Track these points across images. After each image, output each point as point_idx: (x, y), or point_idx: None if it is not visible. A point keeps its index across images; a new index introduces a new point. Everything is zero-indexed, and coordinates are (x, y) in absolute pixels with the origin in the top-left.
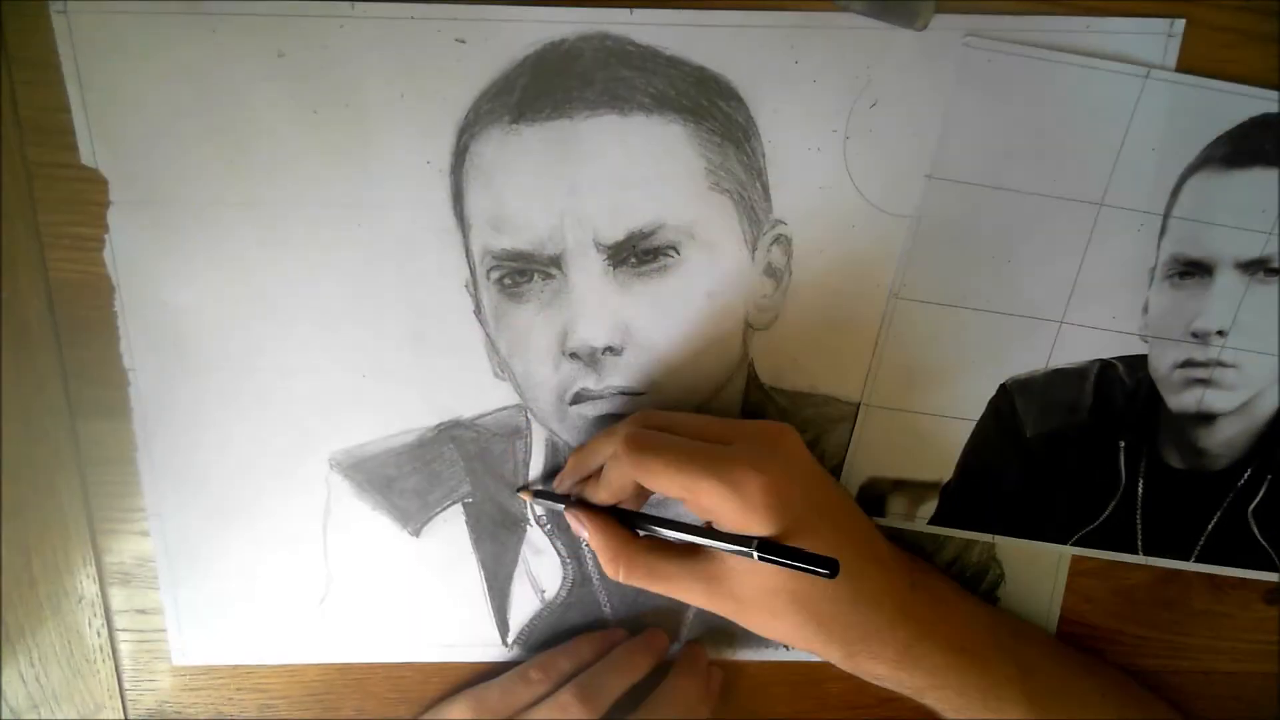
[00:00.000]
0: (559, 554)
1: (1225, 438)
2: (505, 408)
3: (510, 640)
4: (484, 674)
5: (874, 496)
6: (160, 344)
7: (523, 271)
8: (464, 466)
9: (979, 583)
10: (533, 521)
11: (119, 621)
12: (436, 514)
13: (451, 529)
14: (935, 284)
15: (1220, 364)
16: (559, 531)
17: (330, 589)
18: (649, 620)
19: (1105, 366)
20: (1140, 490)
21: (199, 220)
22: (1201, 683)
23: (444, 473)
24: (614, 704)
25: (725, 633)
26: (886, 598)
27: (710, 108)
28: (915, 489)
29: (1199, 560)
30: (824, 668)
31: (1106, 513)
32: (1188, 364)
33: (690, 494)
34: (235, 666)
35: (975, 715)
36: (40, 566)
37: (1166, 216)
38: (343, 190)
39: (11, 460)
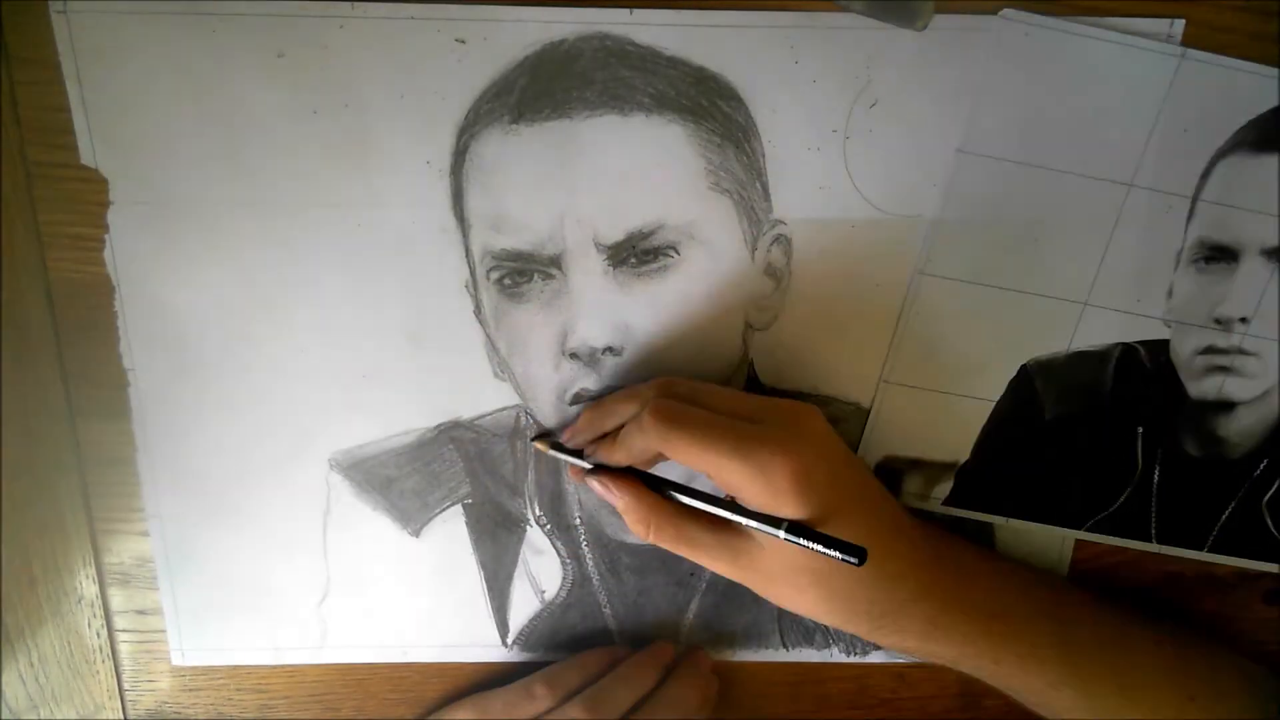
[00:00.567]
0: (559, 554)
1: (1243, 426)
2: (505, 408)
3: (510, 641)
4: (485, 675)
5: (890, 475)
6: (160, 344)
7: (522, 272)
8: (464, 467)
9: None
10: (532, 522)
11: (118, 622)
12: (436, 514)
13: (451, 530)
14: (961, 261)
15: (1242, 351)
16: (559, 532)
17: (330, 589)
18: (649, 619)
19: (1127, 350)
20: (1156, 477)
21: (199, 220)
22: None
23: (444, 473)
24: (622, 717)
25: (725, 635)
26: (910, 572)
27: (710, 108)
28: (931, 469)
29: (1212, 550)
30: (824, 668)
31: (1121, 499)
32: (1209, 350)
33: (716, 471)
34: (235, 667)
35: (1014, 679)
36: (40, 567)
37: (1195, 200)
38: (342, 190)
39: (11, 460)
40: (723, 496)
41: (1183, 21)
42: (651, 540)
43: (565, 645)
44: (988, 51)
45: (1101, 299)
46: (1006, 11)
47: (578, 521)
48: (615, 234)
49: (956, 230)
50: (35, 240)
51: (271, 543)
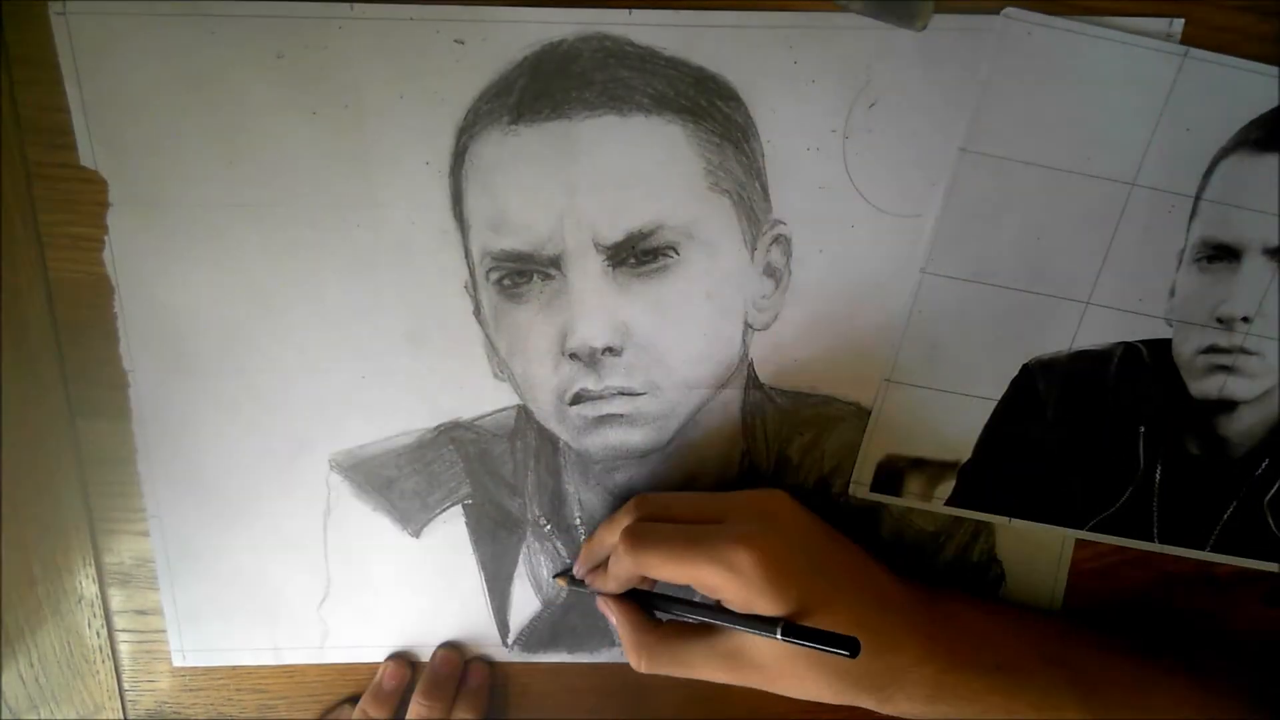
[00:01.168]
0: (559, 554)
1: (1245, 426)
2: (505, 409)
3: (510, 641)
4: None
5: (892, 475)
6: (160, 345)
7: (522, 272)
8: (464, 467)
9: (979, 583)
10: (532, 522)
11: (118, 622)
12: (436, 515)
13: (451, 530)
14: (962, 261)
15: (1244, 351)
16: (559, 532)
17: (330, 590)
18: None
19: (1129, 349)
20: (1158, 477)
21: (199, 221)
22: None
23: (444, 474)
24: None
25: None
26: (907, 639)
27: (709, 108)
28: (933, 468)
29: (1213, 550)
30: None
31: (1123, 499)
32: (1211, 349)
33: (692, 580)
34: (235, 667)
35: None
36: (40, 567)
37: (1198, 199)
38: (342, 191)
39: (11, 461)
40: (714, 604)
41: (1183, 21)
42: (646, 670)
43: (565, 645)
44: (989, 51)
45: (1103, 298)
46: (1008, 11)
47: (578, 521)
48: (615, 234)
49: (958, 230)
50: (35, 241)
51: (272, 543)
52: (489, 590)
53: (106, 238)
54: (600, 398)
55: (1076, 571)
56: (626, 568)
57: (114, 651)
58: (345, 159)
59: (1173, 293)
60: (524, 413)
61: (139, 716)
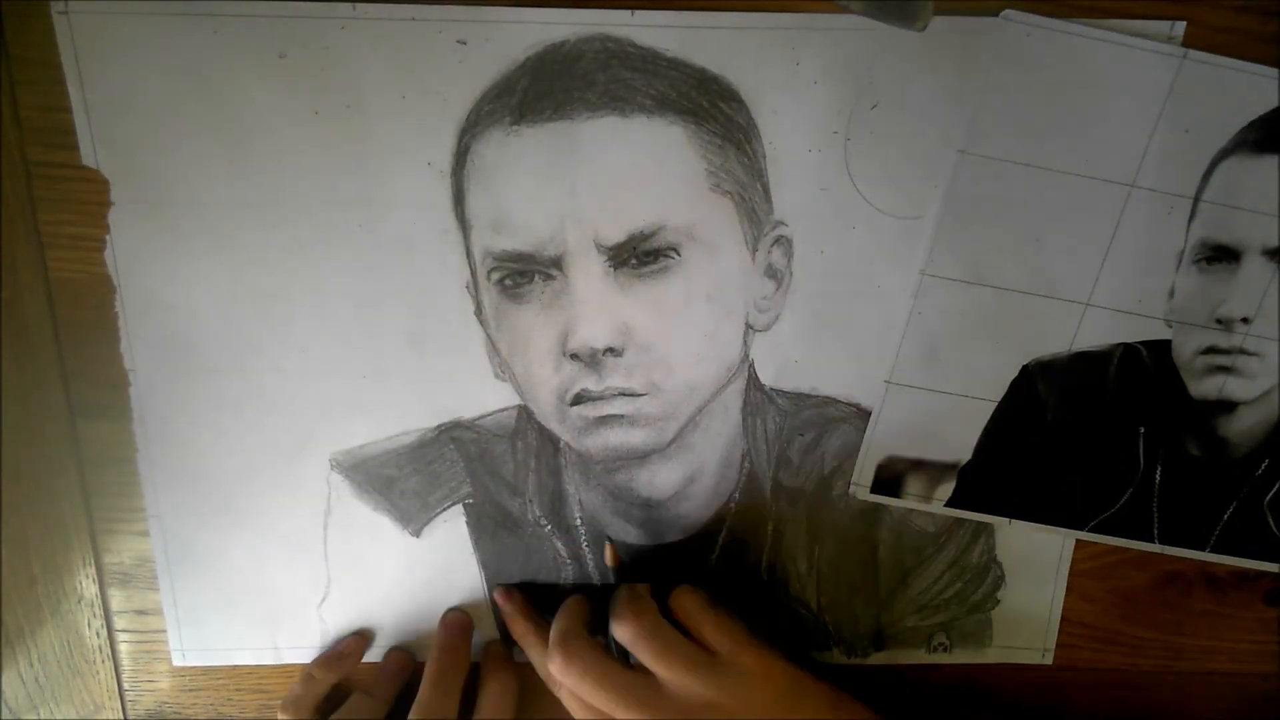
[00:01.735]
0: (559, 555)
1: (1245, 427)
2: (506, 409)
3: (509, 641)
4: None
5: (892, 476)
6: (161, 344)
7: (523, 273)
8: (464, 467)
9: (979, 584)
10: (533, 522)
11: (118, 622)
12: (437, 515)
13: (452, 530)
14: (962, 262)
15: (1243, 352)
16: (559, 533)
17: (330, 589)
18: None
19: (1128, 350)
20: (1158, 478)
21: (200, 221)
22: (1201, 684)
23: (444, 474)
24: None
25: None
26: None
27: (711, 109)
28: (933, 470)
29: (1214, 550)
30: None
31: (1123, 500)
32: (1211, 350)
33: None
34: (235, 667)
35: None
36: (40, 567)
37: (1197, 200)
38: (344, 191)
39: (11, 461)
40: None
41: (1183, 23)
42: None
43: None
44: (989, 53)
45: (1103, 299)
46: (1007, 13)
47: (578, 522)
48: (616, 235)
49: (958, 231)
50: (35, 240)
51: (272, 543)
52: (489, 590)
53: (107, 237)
54: (601, 398)
55: (1076, 572)
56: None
57: (114, 651)
58: (347, 159)
59: (1172, 294)
60: (525, 413)
61: (139, 716)
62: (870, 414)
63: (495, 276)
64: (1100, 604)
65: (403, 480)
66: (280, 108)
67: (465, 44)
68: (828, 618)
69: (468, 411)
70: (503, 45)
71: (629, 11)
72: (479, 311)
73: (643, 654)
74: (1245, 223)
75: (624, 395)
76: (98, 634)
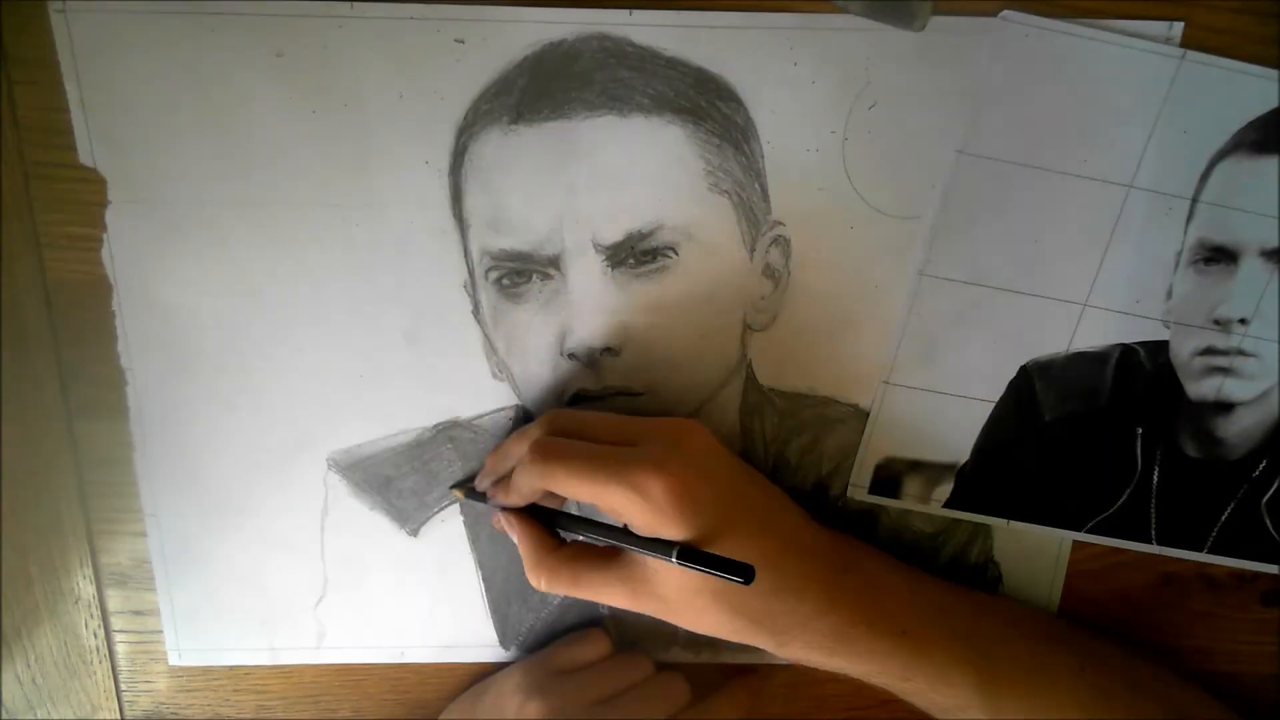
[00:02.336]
0: None
1: (1242, 427)
2: (503, 408)
3: (508, 641)
4: (483, 676)
5: (890, 477)
6: (158, 344)
7: (521, 272)
8: (462, 467)
9: (976, 584)
10: None
11: (115, 622)
12: (434, 514)
13: (449, 529)
14: (960, 262)
15: (1241, 353)
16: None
17: (328, 589)
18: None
19: (1126, 351)
20: (1156, 479)
21: (197, 220)
22: (1200, 685)
23: (442, 473)
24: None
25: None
26: (813, 586)
27: (709, 109)
28: (931, 470)
29: (1211, 551)
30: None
31: (1121, 500)
32: (1209, 351)
33: (598, 500)
34: (232, 667)
35: (923, 697)
36: (37, 567)
37: (1195, 201)
38: (341, 190)
39: (9, 461)
40: (619, 526)
41: (1182, 24)
42: (545, 589)
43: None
44: (987, 53)
45: (1101, 300)
46: (1006, 13)
47: None
48: (614, 234)
49: (956, 231)
50: (33, 240)
51: (269, 542)
52: (487, 590)
53: (105, 237)
54: (599, 398)
55: (1074, 573)
56: (532, 481)
57: (111, 652)
58: (344, 158)
59: (1170, 294)
60: (522, 413)
61: (136, 717)
62: (868, 414)
63: (493, 276)
64: (1098, 605)
65: (400, 479)
66: (278, 107)
67: (463, 43)
68: None
69: (465, 411)
70: (501, 44)
71: (627, 11)
72: (476, 311)
73: (568, 478)
74: (1243, 223)
75: (622, 395)
76: (95, 634)
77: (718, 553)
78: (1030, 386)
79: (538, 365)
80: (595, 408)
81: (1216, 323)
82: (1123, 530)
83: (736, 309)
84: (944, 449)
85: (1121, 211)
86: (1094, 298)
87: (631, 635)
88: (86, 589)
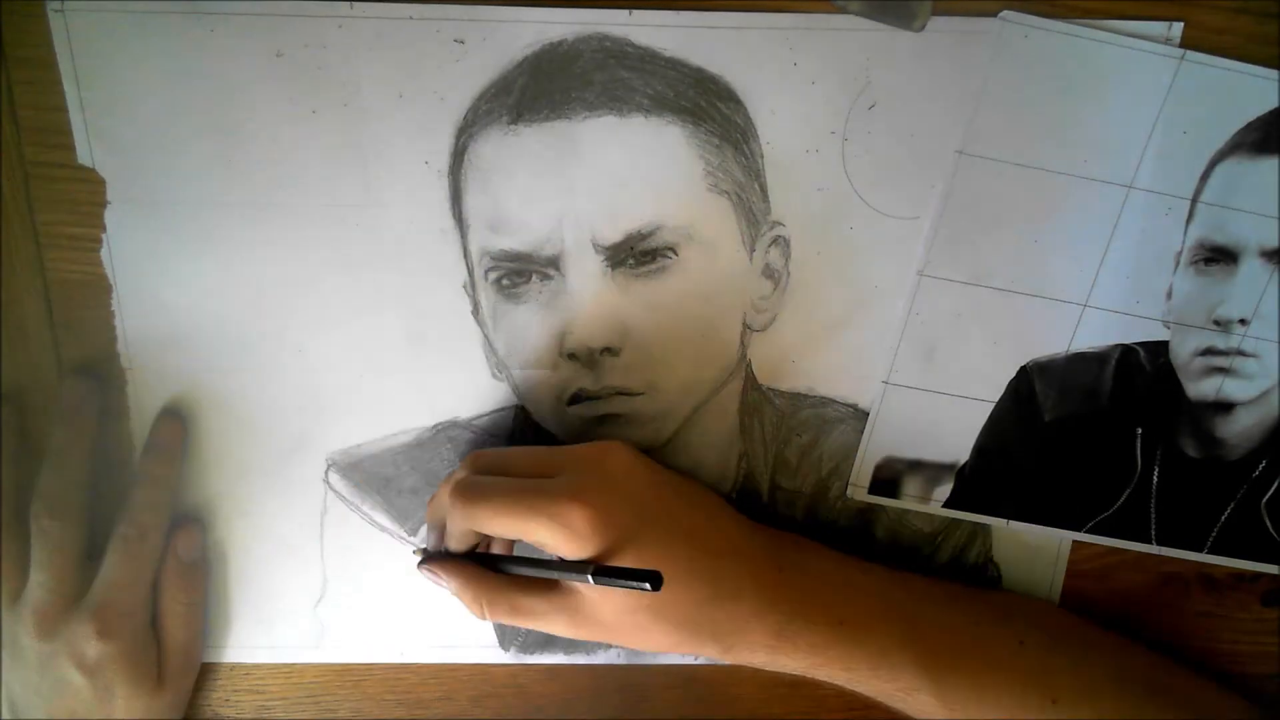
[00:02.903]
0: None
1: (1242, 427)
2: (503, 408)
3: (507, 641)
4: (483, 677)
5: (889, 477)
6: (158, 344)
7: (521, 272)
8: None
9: (976, 582)
10: None
11: None
12: None
13: None
14: (960, 263)
15: (1241, 353)
16: None
17: (327, 589)
18: None
19: (1126, 352)
20: (1156, 479)
21: (197, 220)
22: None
23: (442, 473)
24: None
25: None
26: (749, 587)
27: (709, 109)
28: (931, 470)
29: (1211, 551)
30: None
31: (1121, 500)
32: (1209, 352)
33: (523, 534)
34: (232, 667)
35: (868, 685)
36: None
37: (1195, 201)
38: (341, 190)
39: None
40: (551, 559)
41: (1182, 24)
42: (488, 619)
43: (562, 647)
44: (987, 53)
45: (1101, 300)
46: (1005, 13)
47: None
48: (614, 235)
49: (955, 232)
50: (32, 240)
51: (269, 542)
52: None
53: (104, 237)
54: (598, 398)
55: (1073, 573)
56: (458, 523)
57: None
58: (344, 158)
59: (1170, 295)
60: (522, 413)
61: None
62: (868, 415)
63: (492, 276)
64: (1097, 605)
65: (400, 479)
66: (277, 106)
67: (463, 43)
68: None
69: (464, 411)
70: (500, 44)
71: (627, 11)
72: (476, 311)
73: (491, 516)
74: (1243, 224)
75: (621, 395)
76: None
77: (646, 568)
78: (1030, 387)
79: (537, 365)
80: (595, 407)
81: (1216, 323)
82: (1122, 530)
83: (736, 309)
84: (944, 449)
85: (1121, 212)
86: (1094, 298)
87: None
88: None
